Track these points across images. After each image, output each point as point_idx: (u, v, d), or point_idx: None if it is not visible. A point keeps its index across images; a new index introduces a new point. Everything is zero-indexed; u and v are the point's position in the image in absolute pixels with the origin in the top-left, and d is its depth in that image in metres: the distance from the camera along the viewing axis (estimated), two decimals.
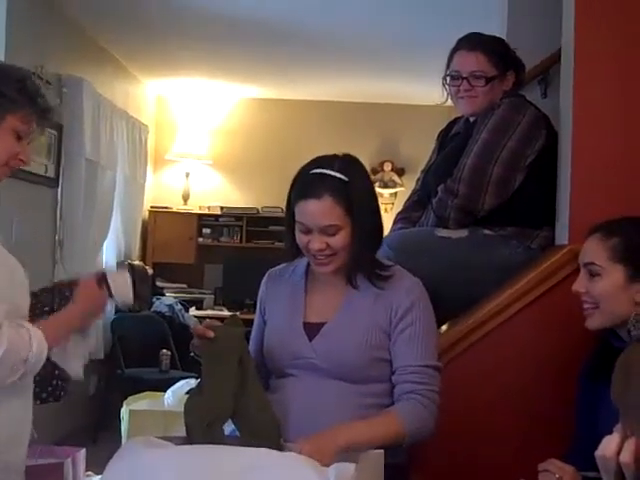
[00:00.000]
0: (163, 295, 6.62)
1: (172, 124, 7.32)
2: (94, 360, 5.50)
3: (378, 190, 6.85)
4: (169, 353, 5.69)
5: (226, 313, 6.41)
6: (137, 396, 4.26)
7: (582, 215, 2.20)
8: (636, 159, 2.27)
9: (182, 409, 1.82)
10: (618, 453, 1.22)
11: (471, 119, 2.61)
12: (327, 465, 1.61)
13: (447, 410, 1.92)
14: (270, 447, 1.69)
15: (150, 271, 6.66)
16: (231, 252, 7.11)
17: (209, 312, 6.65)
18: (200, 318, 6.11)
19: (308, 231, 1.89)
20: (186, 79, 6.82)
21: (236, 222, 7.12)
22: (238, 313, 5.93)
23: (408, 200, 2.82)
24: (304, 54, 5.92)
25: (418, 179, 2.83)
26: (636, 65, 2.28)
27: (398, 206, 3.03)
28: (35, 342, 1.64)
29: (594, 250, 1.87)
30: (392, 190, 7.17)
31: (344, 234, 1.89)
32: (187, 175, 7.18)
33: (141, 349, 5.96)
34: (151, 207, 7.05)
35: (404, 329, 1.91)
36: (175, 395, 3.92)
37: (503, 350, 2.31)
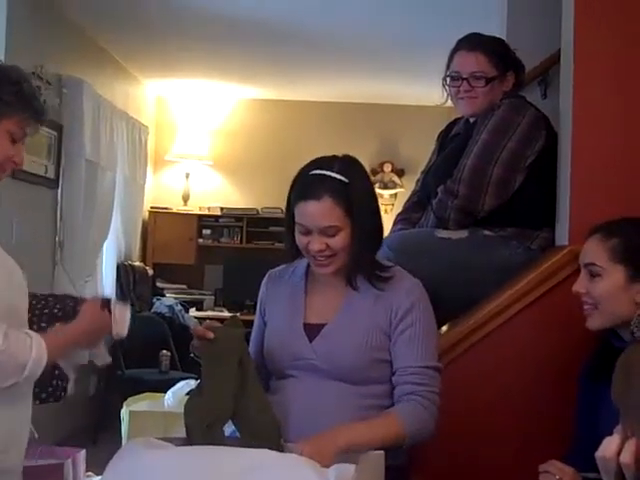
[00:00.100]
0: (163, 296, 6.62)
1: (172, 125, 7.32)
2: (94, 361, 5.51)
3: (378, 191, 6.83)
4: (169, 354, 5.69)
5: (226, 314, 6.41)
6: (137, 397, 4.25)
7: (582, 216, 2.20)
8: (636, 159, 2.27)
9: (182, 410, 1.82)
10: (618, 454, 1.22)
11: (471, 120, 2.61)
12: (327, 466, 1.61)
13: (447, 411, 1.92)
14: (270, 448, 1.69)
15: (150, 272, 6.67)
16: (231, 253, 7.11)
17: (209, 313, 6.65)
18: (200, 319, 6.11)
19: (308, 232, 1.89)
20: (186, 80, 6.82)
21: (236, 223, 7.12)
22: (238, 314, 5.95)
23: (408, 201, 2.82)
24: (304, 55, 5.92)
25: (418, 180, 2.82)
26: (635, 65, 2.28)
27: (398, 207, 3.03)
28: (35, 349, 1.63)
29: (594, 251, 1.87)
30: (392, 191, 7.17)
31: (344, 235, 1.89)
32: (187, 176, 7.18)
33: (141, 350, 5.94)
34: (151, 208, 7.06)
35: (404, 330, 1.91)
36: (175, 396, 3.91)
37: (503, 351, 2.31)
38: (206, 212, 7.12)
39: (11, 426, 1.69)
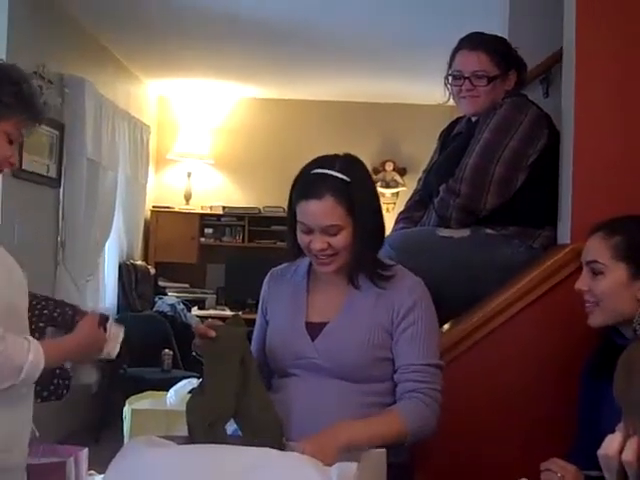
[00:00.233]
0: (165, 295, 6.63)
1: (174, 124, 7.32)
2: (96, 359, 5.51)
3: (380, 190, 6.84)
4: (171, 353, 5.69)
5: (228, 313, 6.41)
6: (139, 395, 4.27)
7: (584, 214, 2.20)
8: (637, 158, 2.27)
9: (184, 408, 1.82)
10: (620, 452, 1.22)
11: (473, 119, 2.61)
12: (330, 464, 1.61)
13: (450, 409, 1.92)
14: (272, 446, 1.69)
15: (152, 271, 6.67)
16: (233, 252, 7.11)
17: (211, 312, 6.66)
18: (202, 318, 6.11)
19: (309, 231, 1.89)
20: (187, 79, 6.83)
21: (238, 222, 7.13)
22: (240, 313, 5.94)
23: (410, 200, 2.82)
24: (305, 54, 5.93)
25: (420, 179, 2.82)
26: (637, 64, 2.28)
27: (400, 206, 3.03)
28: (32, 353, 1.63)
29: (597, 248, 1.87)
30: (394, 190, 7.17)
31: (345, 234, 1.89)
32: (189, 175, 7.18)
33: (143, 349, 5.95)
34: (153, 207, 7.06)
35: (406, 328, 1.91)
36: (177, 394, 3.92)
37: (505, 349, 2.31)
38: (208, 211, 7.13)
39: (13, 426, 1.69)
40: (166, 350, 5.70)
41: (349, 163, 1.93)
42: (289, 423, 1.85)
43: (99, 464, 2.03)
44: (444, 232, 2.46)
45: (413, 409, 1.85)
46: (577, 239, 2.16)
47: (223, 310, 6.74)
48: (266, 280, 2.12)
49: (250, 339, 1.99)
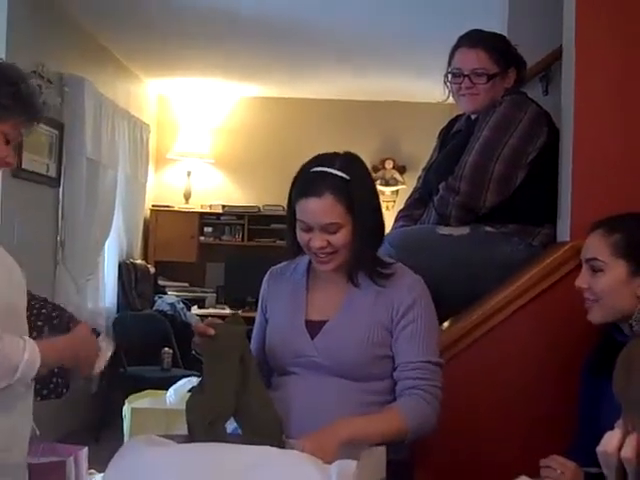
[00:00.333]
0: (165, 294, 6.63)
1: (173, 123, 7.32)
2: None
3: (379, 188, 6.84)
4: (171, 351, 5.69)
5: (228, 311, 6.41)
6: (139, 394, 4.27)
7: (584, 212, 2.20)
8: (637, 156, 2.27)
9: (184, 407, 1.82)
10: (619, 449, 1.22)
11: (473, 116, 2.61)
12: (329, 462, 1.61)
13: (450, 407, 1.92)
14: (272, 444, 1.69)
15: (152, 270, 6.67)
16: (233, 250, 7.11)
17: (211, 310, 6.66)
18: (202, 317, 6.11)
19: (309, 229, 1.89)
20: (187, 78, 6.83)
21: (238, 220, 7.13)
22: (240, 311, 5.97)
23: (409, 198, 2.82)
24: (305, 52, 5.92)
25: (419, 177, 2.82)
26: (637, 62, 2.28)
27: (400, 204, 3.03)
28: (28, 352, 1.62)
29: (596, 246, 1.87)
30: (393, 188, 7.17)
31: (345, 232, 1.89)
32: (188, 174, 7.18)
33: (143, 348, 5.96)
34: (153, 206, 7.06)
35: (406, 326, 1.91)
36: (177, 393, 3.92)
37: (505, 347, 2.31)
38: (207, 210, 7.13)
39: (13, 425, 1.69)
40: (166, 349, 5.71)
41: (349, 161, 1.93)
42: (289, 421, 1.85)
43: (99, 463, 2.03)
44: (444, 230, 2.46)
45: (413, 406, 1.85)
46: (577, 237, 2.16)
47: (223, 309, 6.74)
48: (265, 278, 2.12)
49: (249, 338, 1.99)
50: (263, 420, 1.82)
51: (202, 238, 7.09)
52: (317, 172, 1.90)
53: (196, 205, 7.13)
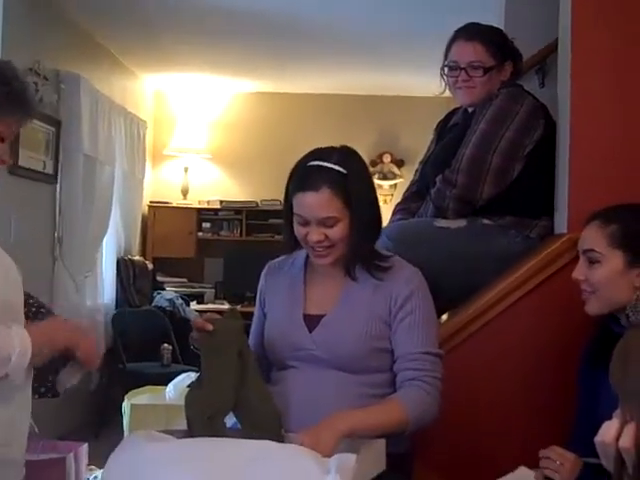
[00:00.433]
0: (163, 290, 6.63)
1: (170, 119, 7.31)
2: None
3: (377, 182, 6.84)
4: (170, 347, 5.70)
5: (227, 307, 6.41)
6: (138, 390, 4.27)
7: (581, 204, 2.20)
8: (634, 147, 2.27)
9: (183, 403, 1.82)
10: (617, 439, 1.22)
11: (469, 109, 2.61)
12: (328, 455, 1.61)
13: (448, 399, 1.92)
14: (272, 438, 1.70)
15: (150, 266, 6.67)
16: (231, 246, 7.11)
17: (210, 306, 6.66)
18: (201, 312, 6.11)
19: (306, 223, 1.90)
20: (184, 74, 6.81)
21: (236, 216, 7.12)
22: (239, 306, 5.96)
23: (407, 191, 2.82)
24: (302, 47, 5.91)
25: (417, 170, 2.82)
26: (633, 54, 2.27)
27: (398, 197, 3.03)
28: (18, 340, 1.61)
29: (593, 237, 1.87)
30: (391, 182, 7.17)
31: (342, 226, 1.89)
32: (186, 170, 7.18)
33: (142, 344, 5.96)
34: (150, 202, 7.06)
35: (404, 318, 1.91)
36: (176, 389, 3.93)
37: (503, 339, 2.31)
38: (205, 205, 7.12)
39: (12, 417, 1.69)
40: (165, 345, 5.71)
41: (346, 155, 1.94)
42: (288, 415, 1.86)
43: (99, 459, 2.03)
44: (441, 223, 2.46)
45: (414, 397, 1.85)
46: (574, 229, 2.16)
47: (222, 304, 6.74)
48: (263, 273, 2.12)
49: (247, 332, 2.00)
50: (262, 414, 1.82)
51: (200, 234, 7.09)
52: (314, 166, 1.90)
53: (194, 201, 7.13)
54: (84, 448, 2.21)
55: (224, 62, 6.41)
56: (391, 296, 1.92)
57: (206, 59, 6.33)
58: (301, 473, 1.55)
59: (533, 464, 1.77)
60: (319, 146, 1.98)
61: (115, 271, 6.12)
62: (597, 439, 1.26)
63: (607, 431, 1.24)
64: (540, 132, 2.46)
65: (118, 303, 6.10)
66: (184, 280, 7.03)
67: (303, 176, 1.90)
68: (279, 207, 6.25)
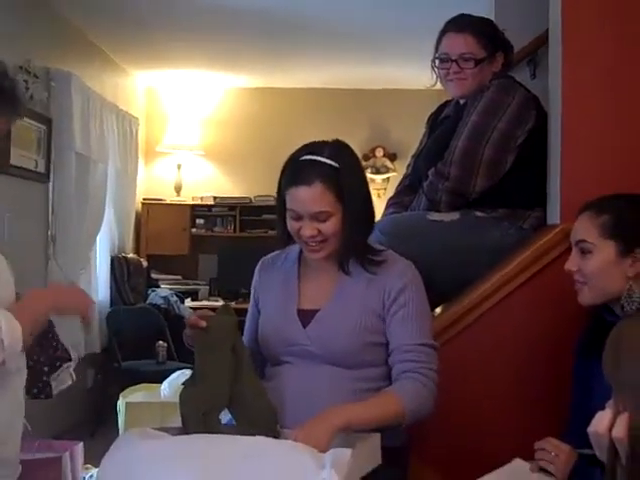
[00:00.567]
0: (158, 287, 6.61)
1: (162, 116, 7.29)
2: (91, 353, 5.51)
3: (370, 176, 6.84)
4: (165, 345, 5.69)
5: (221, 303, 6.40)
6: (133, 388, 4.27)
7: (573, 194, 2.20)
8: (626, 137, 2.27)
9: (178, 400, 1.82)
10: (610, 429, 1.22)
11: (461, 101, 2.60)
12: (323, 450, 1.61)
13: (443, 392, 1.92)
14: (267, 434, 1.69)
15: (144, 263, 6.66)
16: (225, 242, 7.10)
17: (204, 303, 6.65)
18: (196, 309, 6.10)
19: (299, 218, 1.89)
20: (175, 70, 6.80)
21: (229, 212, 7.11)
22: (234, 303, 5.97)
23: (399, 185, 2.82)
24: (293, 42, 5.90)
25: (409, 164, 2.82)
26: (624, 44, 2.27)
27: (390, 191, 3.03)
28: (3, 321, 1.59)
29: (585, 228, 1.87)
30: (384, 175, 7.16)
31: (335, 220, 1.89)
32: (179, 166, 7.16)
33: (137, 341, 5.96)
34: (144, 199, 7.04)
35: (397, 311, 1.91)
36: (171, 386, 3.93)
37: (497, 331, 2.31)
38: (199, 202, 7.11)
39: (6, 419, 1.69)
40: (160, 342, 5.70)
41: (338, 149, 1.93)
42: (283, 410, 1.86)
43: (95, 458, 2.03)
44: (434, 216, 2.46)
45: (409, 389, 1.85)
46: (566, 219, 2.16)
47: (216, 301, 6.73)
48: (257, 269, 2.12)
49: (241, 328, 1.99)
50: (257, 410, 1.82)
51: (194, 230, 7.08)
52: (306, 160, 1.89)
53: (187, 197, 7.12)
54: (80, 447, 2.22)
55: (215, 58, 6.40)
56: (384, 290, 1.92)
57: (197, 55, 6.31)
58: (297, 468, 1.55)
59: (528, 456, 1.77)
60: (311, 141, 1.97)
61: (109, 269, 6.11)
62: (590, 429, 1.26)
63: (600, 421, 1.24)
64: (532, 123, 2.46)
65: (112, 301, 6.09)
66: (178, 277, 7.03)
67: (295, 170, 1.90)
68: (273, 203, 6.19)
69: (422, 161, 2.64)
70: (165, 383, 4.02)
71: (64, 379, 1.90)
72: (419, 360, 1.88)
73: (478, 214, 2.44)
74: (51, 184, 5.06)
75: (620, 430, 1.20)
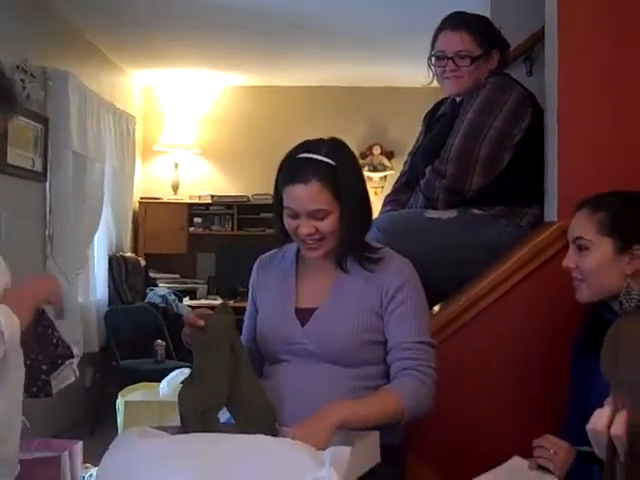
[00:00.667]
0: (156, 286, 6.61)
1: (159, 115, 7.29)
2: (90, 353, 5.51)
3: (368, 174, 6.84)
4: (164, 343, 5.69)
5: (220, 302, 6.40)
6: (132, 387, 4.28)
7: (570, 191, 2.20)
8: (622, 134, 2.27)
9: (177, 399, 1.82)
10: (609, 426, 1.23)
11: (457, 99, 2.60)
12: (322, 448, 1.61)
13: (441, 390, 1.92)
14: (266, 432, 1.69)
15: (142, 262, 6.66)
16: (223, 240, 7.10)
17: (203, 301, 6.65)
18: (194, 308, 6.10)
19: (296, 216, 1.89)
20: (172, 69, 6.79)
21: (227, 210, 7.11)
22: (232, 301, 5.96)
23: (396, 182, 2.82)
24: (290, 40, 5.90)
25: (406, 161, 2.82)
26: (620, 41, 2.27)
27: (388, 189, 3.03)
28: (2, 314, 1.59)
29: (582, 224, 1.87)
30: (382, 174, 7.16)
31: (332, 218, 1.89)
32: (176, 165, 7.16)
33: (135, 340, 5.96)
34: (141, 198, 7.04)
35: (395, 309, 1.91)
36: (170, 385, 3.93)
37: (495, 329, 2.31)
38: (196, 201, 7.11)
39: (4, 418, 1.69)
40: (159, 341, 5.70)
41: (335, 147, 1.93)
42: (281, 409, 1.86)
43: (94, 457, 2.03)
44: (431, 214, 2.46)
45: (408, 386, 1.85)
46: (564, 216, 2.16)
47: (215, 299, 6.73)
48: (255, 267, 2.12)
49: (239, 327, 1.99)
50: (256, 409, 1.82)
51: (192, 229, 7.08)
52: (303, 158, 1.89)
53: (185, 196, 7.12)
54: (79, 446, 2.22)
55: (212, 57, 6.39)
56: (382, 288, 1.92)
57: (194, 54, 6.31)
58: (295, 467, 1.55)
59: (526, 453, 1.77)
60: (309, 139, 1.97)
61: (107, 268, 6.11)
62: (589, 427, 1.27)
63: (599, 419, 1.24)
64: (528, 121, 2.46)
65: (111, 300, 6.09)
66: (176, 276, 7.03)
67: (292, 169, 1.90)
68: (270, 201, 6.11)
69: (419, 159, 2.64)
70: (164, 382, 4.02)
71: (67, 376, 1.90)
72: (417, 358, 1.88)
73: (475, 212, 2.44)
74: (48, 183, 5.06)
75: (619, 427, 1.20)
